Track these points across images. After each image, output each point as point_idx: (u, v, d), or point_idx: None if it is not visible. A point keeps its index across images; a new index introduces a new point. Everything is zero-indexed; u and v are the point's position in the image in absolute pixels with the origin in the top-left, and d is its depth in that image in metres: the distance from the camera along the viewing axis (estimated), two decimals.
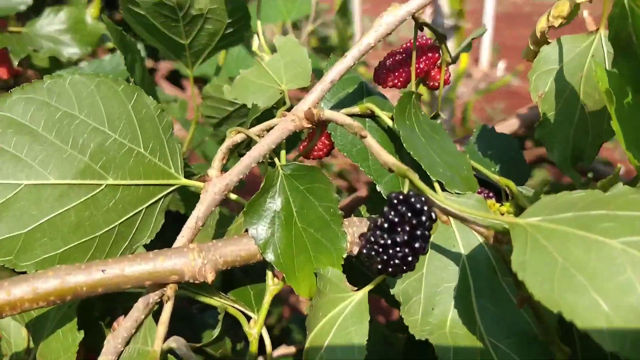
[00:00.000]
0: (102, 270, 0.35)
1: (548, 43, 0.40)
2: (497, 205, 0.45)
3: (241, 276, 0.48)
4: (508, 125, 0.69)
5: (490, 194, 0.47)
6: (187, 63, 0.59)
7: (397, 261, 0.33)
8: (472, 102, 5.21)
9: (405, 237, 0.32)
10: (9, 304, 0.33)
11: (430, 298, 0.38)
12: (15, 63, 0.69)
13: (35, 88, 0.35)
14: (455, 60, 0.50)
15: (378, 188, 0.44)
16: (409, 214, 0.32)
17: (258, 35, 0.49)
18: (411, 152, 0.42)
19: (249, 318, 0.43)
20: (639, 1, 0.31)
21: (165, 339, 0.37)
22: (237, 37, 0.58)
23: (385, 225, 0.32)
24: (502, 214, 0.44)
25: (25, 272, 0.37)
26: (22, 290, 0.33)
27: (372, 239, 0.33)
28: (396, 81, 0.46)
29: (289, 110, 0.42)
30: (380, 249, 0.33)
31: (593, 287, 0.27)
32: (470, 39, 0.48)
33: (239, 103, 0.60)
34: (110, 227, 0.39)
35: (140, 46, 0.71)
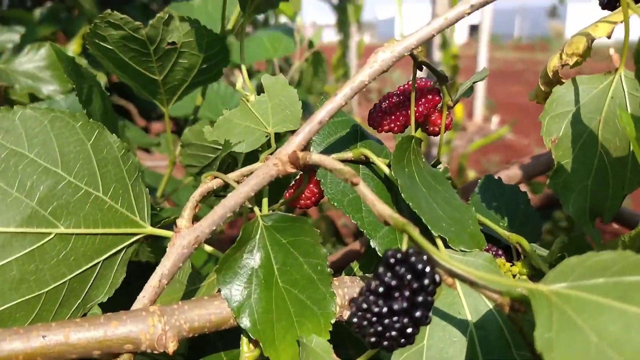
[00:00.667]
0: (43, 337, 0.29)
1: (561, 83, 0.36)
2: (508, 265, 0.40)
3: (214, 338, 0.42)
4: (509, 176, 0.65)
5: (499, 252, 0.42)
6: (161, 100, 0.55)
7: (394, 333, 0.27)
8: (467, 154, 5.24)
9: (405, 305, 0.27)
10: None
11: None
12: None
13: None
14: (455, 103, 0.46)
15: (372, 244, 0.39)
16: (409, 277, 0.27)
17: (242, 73, 0.45)
18: (410, 204, 0.37)
19: None
20: None
21: None
22: (215, 73, 0.55)
23: (381, 289, 0.27)
24: (514, 276, 0.39)
25: None
26: (16, 346, 0.28)
27: (365, 305, 0.27)
28: (393, 125, 0.42)
29: (272, 154, 0.37)
30: (374, 319, 0.27)
31: None
32: (471, 82, 0.45)
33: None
34: (60, 282, 0.33)
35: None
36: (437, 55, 5.58)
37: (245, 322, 0.34)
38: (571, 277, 0.26)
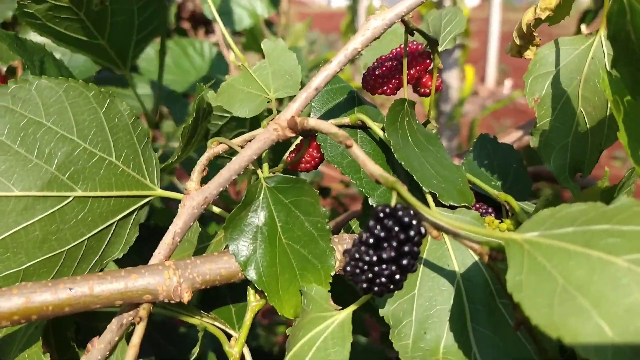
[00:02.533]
0: (70, 289, 0.33)
1: (534, 37, 0.38)
2: (497, 222, 0.43)
3: (225, 291, 0.45)
4: (511, 138, 0.67)
5: (490, 210, 0.44)
6: (117, 65, 0.56)
7: (383, 279, 0.30)
8: (478, 119, 5.20)
9: (393, 254, 0.29)
10: (53, 306, 0.31)
11: (423, 321, 0.35)
12: (4, 69, 0.67)
13: (2, 93, 0.33)
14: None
15: (370, 202, 0.41)
16: (397, 229, 0.29)
17: (230, 46, 0.47)
18: (402, 163, 0.39)
19: (230, 337, 0.40)
20: None
21: None
22: (157, 24, 0.55)
23: (371, 240, 0.30)
24: (502, 232, 0.42)
25: None
26: (46, 297, 0.31)
27: (357, 255, 0.30)
28: (386, 88, 0.44)
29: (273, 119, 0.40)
30: (365, 267, 0.30)
31: (597, 310, 0.25)
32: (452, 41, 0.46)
33: (228, 116, 0.58)
34: (79, 241, 0.36)
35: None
36: None
37: (251, 275, 0.37)
38: (543, 226, 0.28)
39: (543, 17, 0.37)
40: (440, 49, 0.44)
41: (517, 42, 0.38)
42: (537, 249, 0.27)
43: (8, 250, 0.34)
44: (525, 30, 0.38)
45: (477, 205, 0.44)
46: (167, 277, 0.34)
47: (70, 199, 0.36)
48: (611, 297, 0.25)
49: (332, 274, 0.39)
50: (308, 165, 0.45)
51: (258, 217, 0.39)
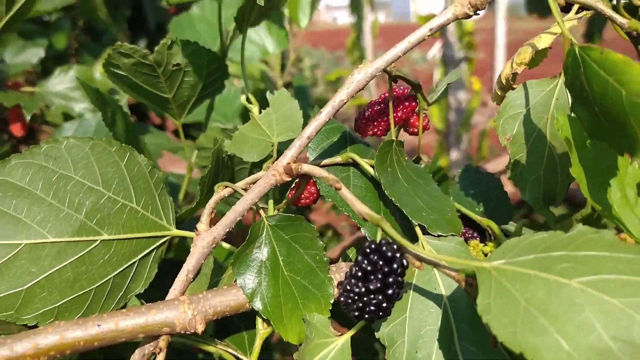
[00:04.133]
0: (98, 325, 0.37)
1: (513, 88, 0.42)
2: (481, 245, 0.47)
3: (237, 321, 0.49)
4: (500, 163, 0.70)
5: (475, 235, 0.48)
6: (174, 115, 0.62)
7: (372, 308, 0.34)
8: (488, 130, 5.22)
9: (378, 285, 0.34)
10: (78, 342, 0.35)
11: (414, 341, 0.39)
12: (28, 118, 0.73)
13: (33, 153, 0.38)
14: (431, 104, 0.52)
15: (362, 231, 0.45)
16: (381, 262, 0.34)
17: (245, 88, 0.52)
18: (392, 199, 0.43)
19: None
20: (589, 51, 0.33)
21: None
22: (218, 86, 0.61)
23: (359, 274, 0.34)
24: (486, 254, 0.45)
25: (26, 325, 0.39)
26: (24, 346, 0.35)
27: (348, 287, 0.34)
28: (376, 130, 0.48)
29: (274, 162, 0.44)
30: (356, 297, 0.34)
31: (554, 328, 0.28)
32: (445, 84, 0.51)
33: (222, 153, 0.63)
34: (106, 279, 0.41)
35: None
36: (452, 31, 5.51)
37: (258, 306, 0.41)
38: (509, 254, 0.32)
39: (519, 71, 0.41)
40: (435, 97, 0.48)
41: (499, 92, 0.43)
42: (502, 275, 0.31)
43: (44, 290, 0.39)
44: (504, 83, 0.42)
45: (464, 231, 0.48)
46: (183, 310, 0.39)
47: (98, 242, 0.40)
48: (567, 315, 0.29)
49: (332, 302, 0.43)
50: (307, 200, 0.49)
51: (262, 253, 0.43)
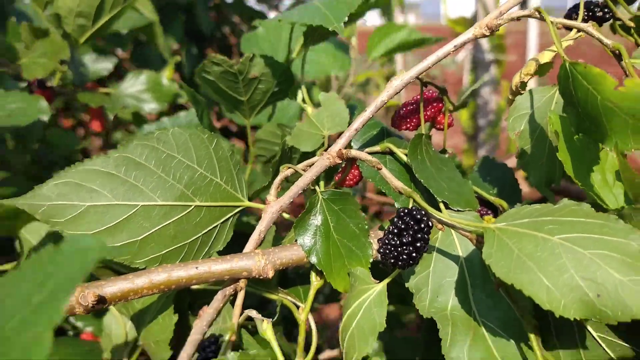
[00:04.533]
0: (196, 267, 0.49)
1: (521, 94, 0.52)
2: (493, 219, 0.57)
3: (294, 277, 0.61)
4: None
5: (489, 212, 0.59)
6: (245, 115, 0.75)
7: (404, 257, 0.45)
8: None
9: (410, 239, 0.45)
10: (133, 291, 0.48)
11: (436, 290, 0.50)
12: (111, 117, 0.87)
13: (148, 137, 0.51)
14: (462, 106, 0.63)
15: (396, 205, 0.56)
16: (412, 222, 0.45)
17: (302, 92, 0.63)
18: (422, 180, 0.54)
19: (298, 307, 0.55)
20: (576, 65, 0.44)
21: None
22: (283, 94, 0.73)
23: (395, 230, 0.45)
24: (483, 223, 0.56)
25: (136, 269, 0.51)
26: (142, 281, 0.47)
27: (386, 241, 0.46)
28: (409, 125, 0.59)
29: (326, 150, 0.56)
30: (392, 248, 0.45)
31: (538, 269, 0.39)
32: (470, 90, 0.61)
33: (286, 145, 0.75)
34: (196, 236, 0.53)
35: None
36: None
37: (313, 260, 0.53)
38: (509, 219, 0.43)
39: (526, 80, 0.52)
40: (461, 100, 0.59)
41: (510, 97, 0.53)
42: (503, 233, 0.42)
43: (153, 241, 0.51)
44: (514, 89, 0.53)
45: (479, 209, 0.58)
46: (258, 260, 0.51)
47: (192, 207, 0.53)
48: (548, 261, 0.39)
49: (371, 260, 0.54)
50: (351, 182, 0.61)
51: (317, 220, 0.54)
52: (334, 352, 0.81)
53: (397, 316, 0.95)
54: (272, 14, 3.25)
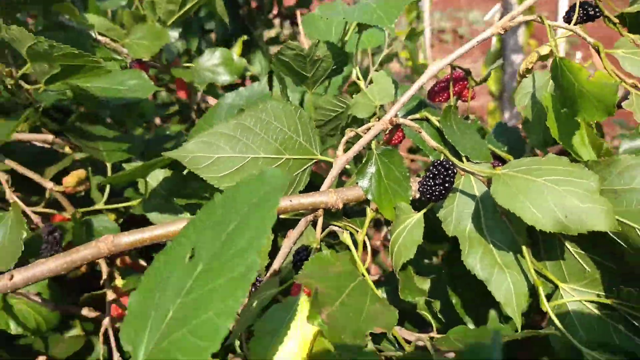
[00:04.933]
0: (290, 201, 0.70)
1: (527, 77, 0.71)
2: (500, 168, 0.77)
3: (353, 213, 0.82)
4: None
5: (500, 164, 0.78)
6: (308, 87, 0.94)
7: (437, 193, 0.65)
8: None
9: (441, 181, 0.65)
10: (284, 209, 0.69)
11: (458, 218, 0.70)
12: (201, 89, 1.07)
13: (255, 109, 0.71)
14: (484, 80, 0.81)
15: (430, 158, 0.76)
16: (442, 169, 0.65)
17: (356, 71, 0.83)
18: (450, 140, 0.74)
19: (358, 232, 0.77)
20: (564, 60, 0.62)
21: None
22: (339, 70, 0.92)
23: (430, 175, 0.65)
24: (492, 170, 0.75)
25: None
26: (285, 203, 0.69)
27: (424, 182, 0.66)
28: (441, 98, 0.78)
29: (379, 118, 0.76)
30: (428, 187, 0.66)
31: (527, 200, 0.59)
32: (489, 71, 0.80)
33: (339, 111, 0.95)
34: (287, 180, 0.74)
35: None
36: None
37: (370, 197, 0.73)
38: (511, 167, 0.62)
39: (530, 67, 0.70)
40: (480, 80, 0.78)
41: (518, 79, 0.72)
42: (505, 176, 0.62)
43: None
44: (522, 74, 0.71)
45: (492, 162, 0.78)
46: (332, 196, 0.72)
47: (284, 159, 0.74)
48: (534, 195, 0.59)
49: (410, 198, 0.74)
50: (397, 141, 0.81)
51: (372, 168, 0.75)
52: (374, 276, 1.03)
53: (424, 250, 1.17)
54: None
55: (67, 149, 1.04)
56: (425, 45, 8.07)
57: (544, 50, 0.69)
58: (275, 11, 2.97)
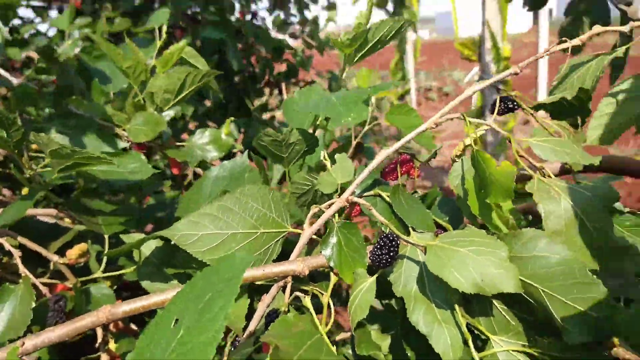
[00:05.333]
0: (263, 270, 0.84)
1: (457, 162, 0.86)
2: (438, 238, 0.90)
3: (319, 276, 0.95)
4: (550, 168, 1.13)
5: (442, 232, 0.92)
6: (284, 165, 1.09)
7: (384, 261, 0.79)
8: (525, 147, 5.47)
9: (386, 251, 0.78)
10: (258, 277, 0.82)
11: (405, 281, 0.83)
12: (193, 166, 1.23)
13: (236, 193, 0.86)
14: (428, 160, 0.96)
15: (383, 229, 0.90)
16: (388, 241, 0.79)
17: (324, 152, 0.98)
18: (398, 213, 0.88)
19: (323, 294, 0.89)
20: (479, 151, 0.77)
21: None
22: (312, 151, 1.08)
23: (378, 246, 0.79)
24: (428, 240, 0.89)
25: None
26: (259, 272, 0.82)
27: (373, 252, 0.80)
28: (391, 178, 0.93)
29: (339, 194, 0.90)
30: (377, 256, 0.79)
31: (453, 267, 0.72)
32: (429, 158, 0.95)
33: (310, 185, 1.09)
34: (261, 250, 0.88)
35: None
36: (488, 57, 5.82)
37: (332, 264, 0.87)
38: (443, 239, 0.76)
39: (458, 154, 0.85)
40: (425, 160, 0.93)
41: (451, 162, 0.87)
42: (436, 247, 0.75)
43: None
44: (453, 158, 0.86)
45: (436, 230, 0.92)
46: (299, 264, 0.85)
47: (258, 233, 0.87)
48: (459, 263, 0.72)
49: (366, 264, 0.88)
50: (355, 213, 0.95)
51: (334, 239, 0.88)
52: (347, 334, 1.15)
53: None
54: (291, 41, 3.62)
55: (66, 221, 1.17)
56: (412, 103, 8.41)
57: (468, 140, 0.85)
58: (266, 78, 3.20)
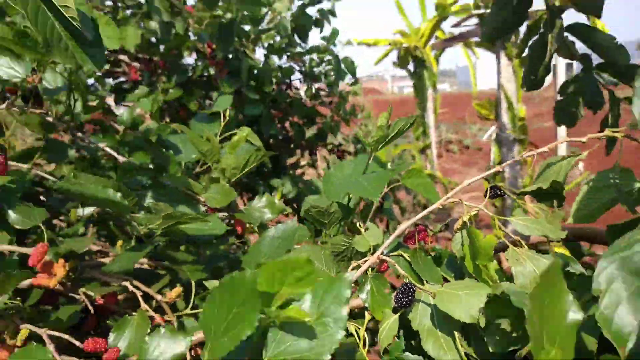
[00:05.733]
0: None
1: (457, 233, 1.19)
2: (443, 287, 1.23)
3: (357, 315, 1.27)
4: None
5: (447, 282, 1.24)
6: (326, 229, 1.44)
7: (404, 303, 1.11)
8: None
9: (406, 295, 1.11)
10: None
11: (420, 317, 1.15)
12: (256, 225, 1.58)
13: (298, 251, 1.20)
14: (439, 231, 1.29)
15: (405, 280, 1.23)
16: (407, 289, 1.11)
17: (357, 220, 1.33)
18: (416, 270, 1.21)
19: (359, 328, 1.21)
20: (471, 227, 1.11)
21: None
22: (347, 218, 1.43)
23: (400, 291, 1.12)
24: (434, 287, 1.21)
25: None
26: None
27: (396, 296, 1.12)
28: (411, 242, 1.27)
29: (372, 254, 1.24)
30: (399, 299, 1.12)
31: (453, 307, 1.04)
32: (438, 230, 1.28)
33: (346, 245, 1.43)
34: None
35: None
36: (505, 117, 6.20)
37: (367, 305, 1.19)
38: (447, 286, 1.08)
39: (459, 226, 1.19)
40: (435, 230, 1.27)
41: (455, 232, 1.20)
42: (442, 292, 1.07)
43: None
44: (455, 230, 1.20)
45: (443, 283, 1.24)
46: None
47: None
48: (456, 303, 1.04)
49: (392, 305, 1.20)
50: (384, 268, 1.28)
51: (367, 287, 1.21)
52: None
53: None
54: (321, 108, 4.03)
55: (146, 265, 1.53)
56: (433, 156, 8.79)
57: (465, 217, 1.19)
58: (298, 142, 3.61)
